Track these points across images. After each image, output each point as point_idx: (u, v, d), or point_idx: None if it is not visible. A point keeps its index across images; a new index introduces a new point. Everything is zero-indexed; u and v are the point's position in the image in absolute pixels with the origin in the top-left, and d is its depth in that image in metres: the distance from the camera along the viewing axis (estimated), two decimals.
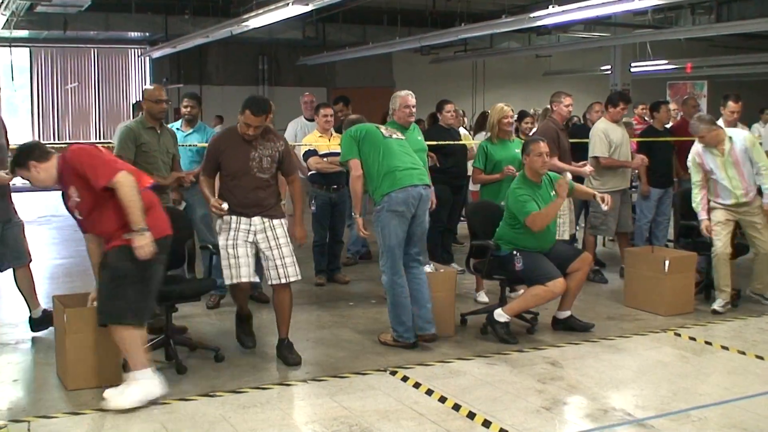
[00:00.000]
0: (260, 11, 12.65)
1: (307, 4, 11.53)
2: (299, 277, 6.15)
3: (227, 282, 6.09)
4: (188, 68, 20.13)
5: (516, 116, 8.82)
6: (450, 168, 8.76)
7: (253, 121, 5.89)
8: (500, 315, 6.70)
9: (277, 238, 6.05)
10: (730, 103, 8.63)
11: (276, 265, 6.02)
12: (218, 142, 6.21)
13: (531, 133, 9.25)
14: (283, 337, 6.19)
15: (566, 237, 8.34)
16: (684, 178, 9.29)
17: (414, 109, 7.80)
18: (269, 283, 6.12)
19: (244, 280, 6.02)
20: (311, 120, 9.91)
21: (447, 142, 8.89)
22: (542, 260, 6.69)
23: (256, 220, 6.03)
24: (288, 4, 11.54)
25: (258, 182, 6.02)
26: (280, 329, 6.19)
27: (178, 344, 6.17)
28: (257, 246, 6.06)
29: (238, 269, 5.99)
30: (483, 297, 7.89)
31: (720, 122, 8.30)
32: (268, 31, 16.55)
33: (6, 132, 6.83)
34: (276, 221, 6.08)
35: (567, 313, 6.99)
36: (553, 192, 6.89)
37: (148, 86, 7.15)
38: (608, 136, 8.66)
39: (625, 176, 8.91)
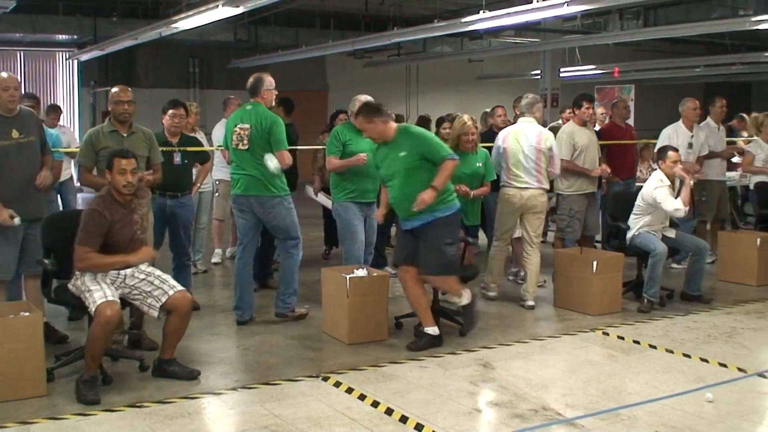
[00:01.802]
0: (190, 13, 12.52)
1: (238, 6, 11.44)
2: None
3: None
4: (117, 71, 19.82)
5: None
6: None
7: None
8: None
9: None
10: (718, 102, 9.78)
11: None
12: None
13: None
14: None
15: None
16: (613, 180, 9.44)
17: None
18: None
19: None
20: None
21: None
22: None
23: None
24: (218, 5, 11.45)
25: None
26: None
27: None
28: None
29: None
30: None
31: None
32: (199, 33, 16.40)
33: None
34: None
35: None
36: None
37: (114, 87, 6.73)
38: (573, 139, 8.75)
39: (593, 179, 8.94)
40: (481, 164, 7.80)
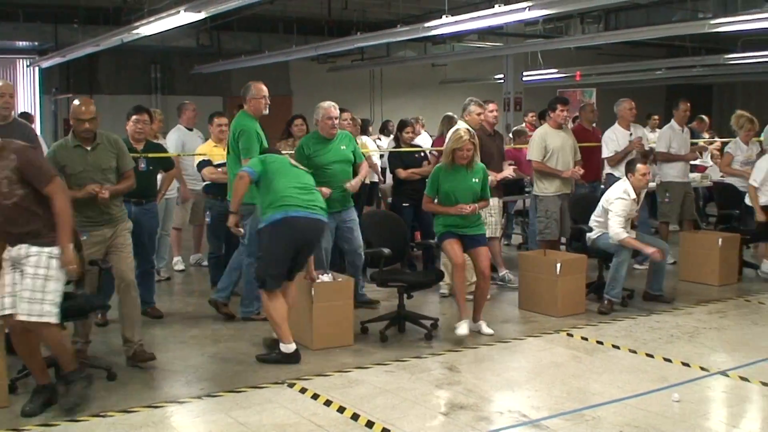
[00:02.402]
0: (152, 19, 12.42)
1: (200, 12, 11.37)
2: (34, 319, 5.09)
3: None
4: (78, 78, 19.63)
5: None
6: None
7: None
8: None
9: (34, 267, 5.18)
10: (682, 105, 9.91)
11: (20, 297, 5.14)
12: None
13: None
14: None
15: (497, 235, 8.74)
16: (579, 182, 9.51)
17: (337, 121, 7.86)
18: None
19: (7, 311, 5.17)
20: (191, 129, 10.00)
21: None
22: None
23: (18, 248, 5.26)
24: (180, 11, 11.36)
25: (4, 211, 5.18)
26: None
27: None
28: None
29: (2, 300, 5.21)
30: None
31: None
32: (161, 39, 16.23)
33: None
34: (34, 249, 5.20)
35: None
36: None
37: (75, 100, 6.30)
38: (545, 141, 8.85)
39: (568, 181, 9.01)
40: (477, 180, 7.24)
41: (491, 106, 8.95)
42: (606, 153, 9.80)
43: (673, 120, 10.20)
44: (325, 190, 7.27)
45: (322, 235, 6.77)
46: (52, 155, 6.26)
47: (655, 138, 13.81)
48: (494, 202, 8.71)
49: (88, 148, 6.20)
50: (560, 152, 8.80)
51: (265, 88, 7.71)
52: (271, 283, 6.31)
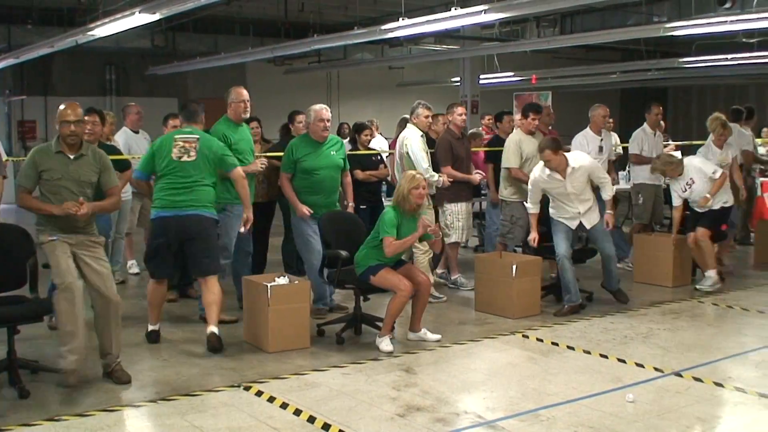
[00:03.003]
0: (106, 20, 12.30)
1: (155, 13, 11.28)
2: None
3: None
4: (32, 79, 19.41)
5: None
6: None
7: None
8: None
9: None
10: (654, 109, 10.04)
11: None
12: None
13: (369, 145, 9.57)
14: None
15: (463, 240, 8.76)
16: None
17: (329, 123, 7.77)
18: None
19: None
20: (136, 132, 10.00)
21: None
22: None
23: None
24: (135, 12, 11.27)
25: None
26: None
27: (21, 367, 5.90)
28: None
29: None
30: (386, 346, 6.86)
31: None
32: (116, 41, 16.12)
33: None
34: None
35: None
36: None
37: (62, 104, 6.13)
38: (520, 147, 8.86)
39: None
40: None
41: (459, 110, 9.00)
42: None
43: (645, 123, 10.31)
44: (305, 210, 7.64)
45: (205, 230, 6.84)
46: (31, 158, 6.05)
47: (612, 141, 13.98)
48: (462, 207, 8.74)
49: (71, 156, 5.99)
50: (534, 158, 8.78)
51: (244, 93, 7.78)
52: (155, 273, 7.01)
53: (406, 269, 6.95)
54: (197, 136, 6.96)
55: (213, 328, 6.65)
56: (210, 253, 6.88)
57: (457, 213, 8.77)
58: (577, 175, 7.94)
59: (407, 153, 8.37)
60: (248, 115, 7.88)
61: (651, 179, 10.05)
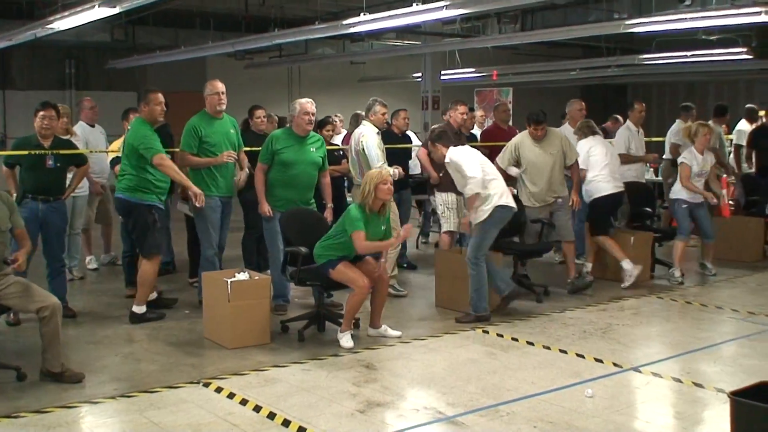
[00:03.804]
0: (66, 13, 12.14)
1: (114, 7, 11.15)
2: None
3: None
4: None
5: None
6: None
7: None
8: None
9: None
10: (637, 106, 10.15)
11: None
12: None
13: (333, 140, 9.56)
14: None
15: (455, 228, 8.67)
16: None
17: (313, 117, 7.71)
18: None
19: None
20: (92, 125, 9.92)
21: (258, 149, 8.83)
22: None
23: None
24: (95, 6, 11.13)
25: None
26: None
27: None
28: None
29: None
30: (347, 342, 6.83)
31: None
32: (76, 34, 15.90)
33: None
34: None
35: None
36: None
37: None
38: (518, 150, 8.73)
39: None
40: (385, 227, 7.01)
41: (461, 108, 9.03)
42: None
43: (629, 121, 10.39)
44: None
45: (121, 214, 7.75)
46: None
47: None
48: (452, 197, 8.72)
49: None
50: (532, 167, 8.69)
51: (219, 85, 7.80)
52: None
53: (364, 265, 6.94)
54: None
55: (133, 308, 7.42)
56: (132, 234, 7.65)
57: (447, 202, 8.76)
58: (450, 170, 7.95)
59: (363, 150, 8.34)
60: (224, 107, 7.81)
61: (638, 177, 10.17)
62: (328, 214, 7.80)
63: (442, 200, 8.80)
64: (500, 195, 7.61)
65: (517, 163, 8.70)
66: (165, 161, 7.38)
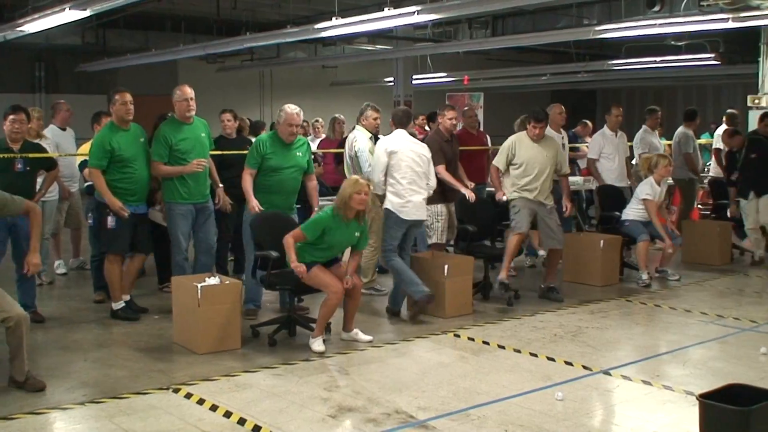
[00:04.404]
0: (36, 16, 12.07)
1: (85, 9, 11.10)
2: None
3: None
4: None
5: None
6: (231, 179, 8.30)
7: None
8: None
9: None
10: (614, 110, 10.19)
11: None
12: None
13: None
14: None
15: (443, 241, 8.69)
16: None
17: (297, 128, 7.59)
18: None
19: None
20: (64, 129, 9.89)
21: (230, 152, 8.81)
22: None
23: None
24: (65, 8, 11.08)
25: None
26: None
27: None
28: None
29: None
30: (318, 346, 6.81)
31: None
32: (46, 37, 15.80)
33: None
34: None
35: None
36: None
37: None
38: (514, 148, 8.67)
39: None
40: (359, 234, 6.99)
41: (450, 113, 8.97)
42: None
43: (605, 126, 10.46)
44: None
45: None
46: None
47: None
48: (441, 208, 8.72)
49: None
50: (529, 164, 8.62)
51: (188, 91, 7.74)
52: None
53: (338, 269, 6.93)
54: None
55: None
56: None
57: (436, 214, 8.75)
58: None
59: (355, 154, 8.37)
60: (193, 113, 7.77)
61: (616, 181, 10.25)
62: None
63: (431, 211, 8.80)
64: (402, 204, 7.82)
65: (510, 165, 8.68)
66: (92, 174, 7.64)
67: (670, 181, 10.11)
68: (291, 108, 7.57)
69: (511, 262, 8.45)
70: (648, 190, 9.50)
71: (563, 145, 10.06)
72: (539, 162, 8.53)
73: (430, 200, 8.69)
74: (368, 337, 7.03)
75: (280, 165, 7.55)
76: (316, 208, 7.79)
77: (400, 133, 8.10)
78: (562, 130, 10.19)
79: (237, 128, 9.59)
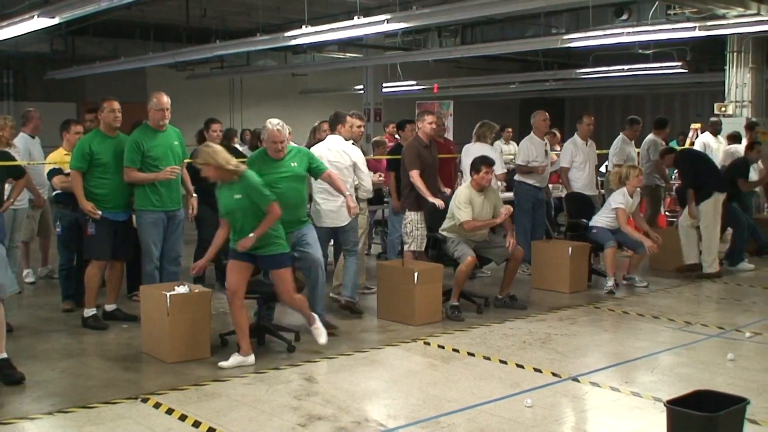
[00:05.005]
0: (5, 23, 11.98)
1: (54, 17, 11.04)
2: None
3: None
4: None
5: None
6: (204, 187, 8.01)
7: None
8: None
9: None
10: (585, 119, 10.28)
11: None
12: None
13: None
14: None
15: (422, 248, 8.69)
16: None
17: (282, 145, 7.18)
18: None
19: None
20: (33, 137, 9.85)
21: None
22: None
23: None
24: (34, 16, 11.01)
25: None
26: None
27: None
28: None
29: None
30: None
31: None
32: (14, 44, 15.70)
33: None
34: None
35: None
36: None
37: None
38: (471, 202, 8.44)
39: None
40: (239, 196, 6.70)
41: (429, 118, 9.00)
42: (519, 161, 10.35)
43: (576, 134, 10.55)
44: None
45: None
46: None
47: (509, 150, 14.27)
48: (418, 216, 8.74)
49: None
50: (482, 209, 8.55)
51: (164, 101, 7.69)
52: None
53: (273, 276, 6.80)
54: None
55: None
56: None
57: (415, 222, 8.76)
58: None
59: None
60: (167, 122, 7.75)
61: (585, 189, 10.36)
62: (350, 203, 7.55)
63: (410, 219, 8.82)
64: (315, 211, 8.04)
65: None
66: (71, 175, 7.75)
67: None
68: (272, 124, 7.24)
69: (460, 290, 8.32)
70: (621, 199, 9.59)
71: (546, 152, 10.20)
72: (485, 215, 8.46)
73: (410, 207, 8.76)
74: (323, 340, 6.94)
75: (275, 180, 7.15)
76: (347, 193, 7.63)
77: (330, 139, 8.24)
78: (545, 138, 10.33)
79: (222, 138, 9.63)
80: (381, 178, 9.51)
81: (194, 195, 8.14)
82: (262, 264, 6.78)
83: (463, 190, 8.49)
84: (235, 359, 6.48)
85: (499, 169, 9.63)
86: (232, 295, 6.59)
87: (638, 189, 9.85)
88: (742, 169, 11.32)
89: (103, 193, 7.57)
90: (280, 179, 7.21)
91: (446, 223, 8.46)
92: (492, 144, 10.61)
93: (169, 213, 7.77)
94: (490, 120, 10.43)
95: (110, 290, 7.86)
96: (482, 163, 8.39)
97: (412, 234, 8.78)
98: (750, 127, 13.76)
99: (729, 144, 13.32)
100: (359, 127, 8.70)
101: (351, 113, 8.76)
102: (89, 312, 7.71)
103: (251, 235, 6.48)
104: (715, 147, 13.34)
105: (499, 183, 9.52)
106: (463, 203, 8.30)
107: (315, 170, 7.48)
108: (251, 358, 6.53)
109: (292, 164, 7.35)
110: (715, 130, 13.63)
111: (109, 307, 7.91)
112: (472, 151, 9.78)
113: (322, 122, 9.72)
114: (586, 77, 20.45)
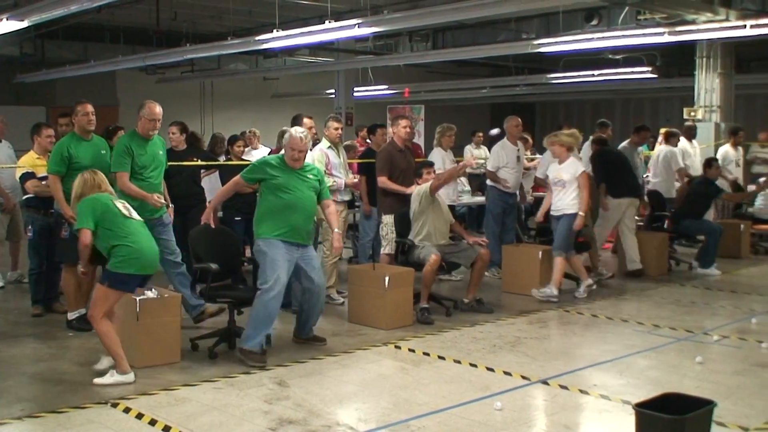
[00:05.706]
0: None
1: (23, 20, 10.96)
2: None
3: None
4: None
5: None
6: (171, 190, 8.19)
7: None
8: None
9: None
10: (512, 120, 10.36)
11: None
12: None
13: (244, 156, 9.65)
14: None
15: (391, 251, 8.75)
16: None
17: (301, 154, 6.92)
18: None
19: None
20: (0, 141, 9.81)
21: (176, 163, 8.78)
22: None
23: None
24: (2, 19, 10.92)
25: None
26: None
27: None
28: None
29: None
30: None
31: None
32: None
33: None
34: None
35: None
36: None
37: None
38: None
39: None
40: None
41: (404, 122, 9.07)
42: (489, 166, 10.47)
43: (506, 137, 10.61)
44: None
45: None
46: None
47: (480, 154, 14.32)
48: (392, 219, 8.78)
49: None
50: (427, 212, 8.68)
51: (157, 112, 7.57)
52: None
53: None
54: None
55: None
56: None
57: (391, 225, 8.78)
58: None
59: None
60: (155, 133, 7.65)
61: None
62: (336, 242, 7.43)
63: (386, 222, 8.86)
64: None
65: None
66: (50, 180, 7.66)
67: None
68: (297, 131, 6.98)
69: (429, 291, 8.36)
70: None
71: (518, 157, 10.26)
72: (437, 213, 8.64)
73: (387, 210, 8.82)
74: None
75: (293, 185, 6.93)
76: (336, 230, 7.36)
77: None
78: (518, 143, 10.39)
79: (190, 140, 9.58)
80: (356, 180, 9.49)
81: (171, 205, 8.03)
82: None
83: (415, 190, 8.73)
84: (114, 378, 6.16)
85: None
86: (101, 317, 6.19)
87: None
88: (711, 188, 11.42)
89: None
90: (299, 183, 6.97)
91: (413, 229, 8.54)
92: (452, 148, 10.67)
93: (152, 220, 7.43)
94: (464, 124, 10.54)
95: (81, 294, 7.81)
96: (422, 166, 8.84)
97: (388, 237, 8.81)
98: (734, 132, 13.89)
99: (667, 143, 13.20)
100: (336, 129, 8.73)
101: (329, 116, 8.83)
102: (73, 314, 7.69)
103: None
104: (692, 152, 13.42)
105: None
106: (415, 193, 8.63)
107: (321, 192, 7.20)
108: (131, 376, 6.20)
109: (310, 176, 7.09)
110: (691, 135, 13.73)
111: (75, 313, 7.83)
112: (432, 157, 10.18)
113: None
114: (556, 82, 20.57)
